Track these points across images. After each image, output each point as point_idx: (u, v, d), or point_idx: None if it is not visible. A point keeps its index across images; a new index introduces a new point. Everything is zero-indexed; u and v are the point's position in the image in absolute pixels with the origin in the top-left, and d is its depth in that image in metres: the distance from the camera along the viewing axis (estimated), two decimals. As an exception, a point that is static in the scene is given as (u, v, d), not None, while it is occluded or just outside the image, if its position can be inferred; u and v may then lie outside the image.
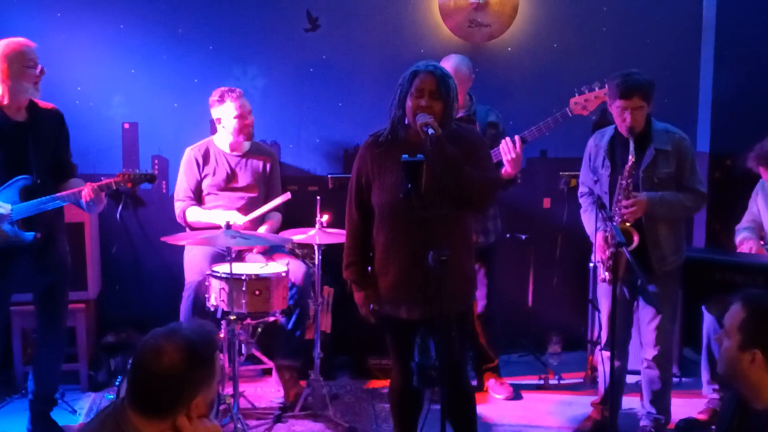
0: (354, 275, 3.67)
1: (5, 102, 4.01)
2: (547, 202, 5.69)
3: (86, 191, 4.04)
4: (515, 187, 4.78)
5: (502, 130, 4.83)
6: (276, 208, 4.89)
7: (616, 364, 4.00)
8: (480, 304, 4.94)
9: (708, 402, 4.63)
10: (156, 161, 5.39)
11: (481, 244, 4.78)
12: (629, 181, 4.03)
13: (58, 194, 4.06)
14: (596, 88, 4.51)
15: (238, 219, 4.69)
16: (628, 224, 4.03)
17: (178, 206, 4.92)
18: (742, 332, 2.73)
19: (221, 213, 4.75)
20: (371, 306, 3.65)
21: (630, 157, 4.00)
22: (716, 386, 4.58)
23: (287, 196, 4.85)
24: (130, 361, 2.35)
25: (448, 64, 4.67)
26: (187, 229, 4.90)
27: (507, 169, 4.53)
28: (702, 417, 4.56)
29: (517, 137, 4.51)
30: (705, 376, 4.64)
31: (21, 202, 3.99)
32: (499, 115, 4.88)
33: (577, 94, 4.55)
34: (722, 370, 2.89)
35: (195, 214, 4.86)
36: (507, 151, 4.49)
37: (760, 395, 2.76)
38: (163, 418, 2.28)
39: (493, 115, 4.85)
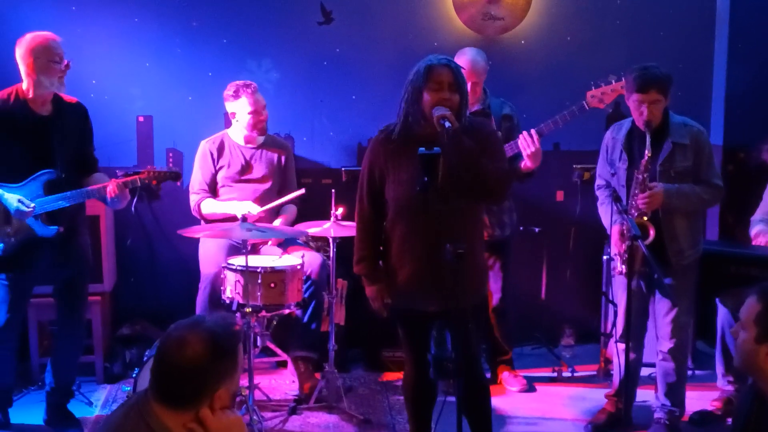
0: (366, 269, 3.66)
1: (30, 96, 4.03)
2: (560, 195, 5.69)
3: (111, 187, 4.06)
4: (531, 180, 4.77)
5: (517, 122, 4.82)
6: (291, 201, 4.91)
7: (632, 356, 4.01)
8: (495, 297, 4.94)
9: (722, 392, 4.62)
10: (170, 154, 5.41)
11: (497, 237, 4.79)
12: (645, 175, 4.02)
13: (84, 189, 4.08)
14: (613, 81, 4.48)
15: (253, 209, 4.72)
16: (645, 218, 4.01)
17: (193, 199, 4.94)
18: (759, 325, 2.73)
19: (236, 204, 4.77)
20: (384, 300, 3.65)
21: (646, 151, 3.99)
22: (731, 378, 4.58)
23: (301, 191, 4.86)
24: (154, 353, 2.36)
25: (465, 57, 4.67)
26: (202, 221, 4.92)
27: (527, 164, 4.51)
28: (716, 405, 4.57)
29: (533, 131, 4.49)
30: (719, 368, 4.63)
31: (45, 196, 4.01)
32: (514, 108, 4.87)
33: (593, 87, 4.53)
34: (738, 363, 2.90)
35: (210, 206, 4.87)
36: (526, 145, 4.46)
37: (777, 388, 2.77)
38: (186, 410, 2.29)
39: (508, 108, 4.83)
